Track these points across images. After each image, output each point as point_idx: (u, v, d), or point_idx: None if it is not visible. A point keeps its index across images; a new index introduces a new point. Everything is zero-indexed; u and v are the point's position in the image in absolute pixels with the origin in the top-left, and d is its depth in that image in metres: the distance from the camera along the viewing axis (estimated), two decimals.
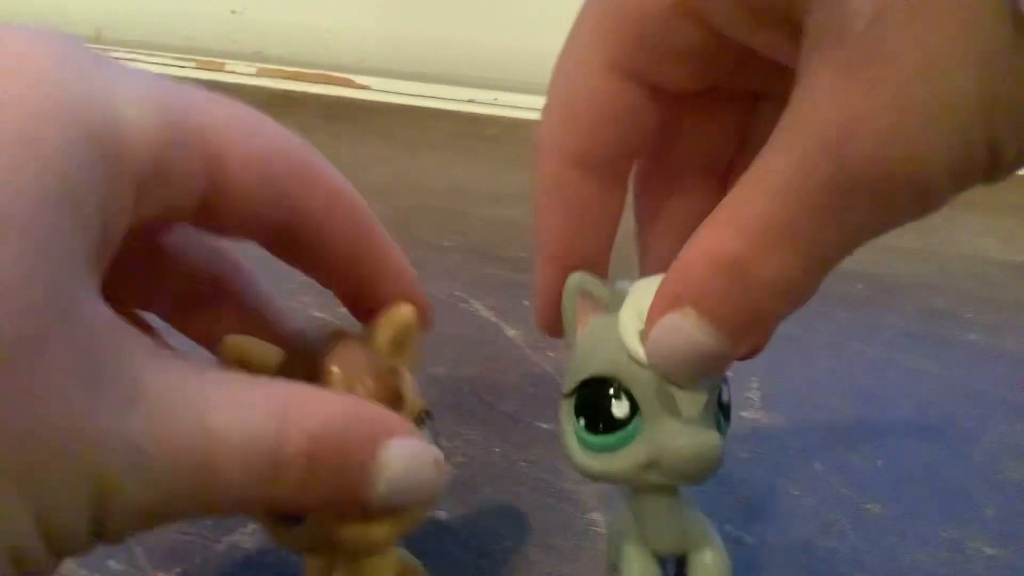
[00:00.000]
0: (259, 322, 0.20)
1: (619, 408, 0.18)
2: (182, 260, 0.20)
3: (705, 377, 0.17)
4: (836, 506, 0.27)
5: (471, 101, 0.66)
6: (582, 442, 0.19)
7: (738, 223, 0.15)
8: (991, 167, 0.13)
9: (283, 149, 0.18)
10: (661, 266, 0.17)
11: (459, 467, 0.29)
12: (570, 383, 0.19)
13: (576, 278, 0.19)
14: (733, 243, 0.15)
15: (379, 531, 0.17)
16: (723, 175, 0.20)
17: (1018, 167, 0.14)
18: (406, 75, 0.69)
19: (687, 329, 0.16)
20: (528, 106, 0.64)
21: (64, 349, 0.13)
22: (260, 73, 0.71)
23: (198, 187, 0.16)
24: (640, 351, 0.17)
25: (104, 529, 0.14)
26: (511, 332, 0.36)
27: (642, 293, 0.18)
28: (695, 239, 0.15)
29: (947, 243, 0.45)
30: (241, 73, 0.71)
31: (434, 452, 0.17)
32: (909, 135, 0.13)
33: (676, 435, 0.18)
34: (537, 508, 0.27)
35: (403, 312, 0.19)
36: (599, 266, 0.20)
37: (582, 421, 0.19)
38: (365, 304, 0.20)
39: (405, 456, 0.16)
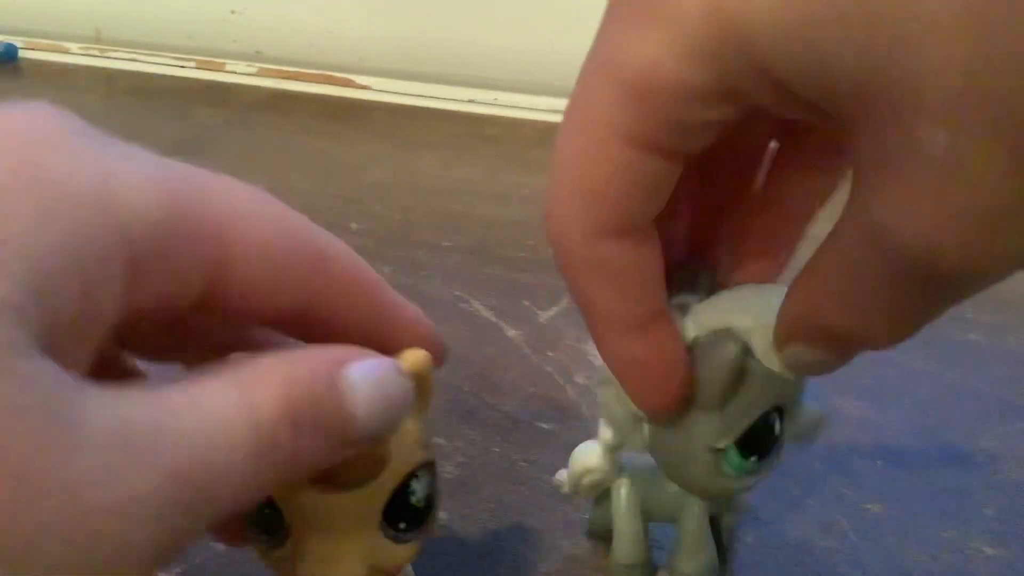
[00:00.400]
0: None
1: (777, 426, 0.21)
2: (205, 330, 0.20)
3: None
4: (836, 506, 0.27)
5: (471, 101, 0.66)
6: (740, 469, 0.20)
7: (839, 302, 0.17)
8: None
9: (292, 235, 0.17)
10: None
11: (459, 467, 0.29)
12: (737, 427, 0.20)
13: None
14: (844, 323, 0.17)
15: (339, 568, 0.17)
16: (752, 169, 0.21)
17: None
18: (406, 75, 0.69)
19: (807, 354, 0.18)
20: (528, 106, 0.64)
21: (5, 411, 0.12)
22: (260, 73, 0.71)
23: (201, 276, 0.16)
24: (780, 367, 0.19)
25: None
26: (511, 332, 0.36)
27: (755, 325, 0.19)
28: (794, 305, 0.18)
29: None
30: (241, 73, 0.71)
31: (390, 360, 0.17)
32: (984, 242, 0.14)
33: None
34: (537, 508, 0.27)
35: (414, 359, 0.18)
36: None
37: (736, 451, 0.20)
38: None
39: (366, 375, 0.16)
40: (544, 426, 0.31)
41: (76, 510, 0.12)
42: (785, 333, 0.18)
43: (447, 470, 0.28)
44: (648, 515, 0.23)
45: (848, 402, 0.32)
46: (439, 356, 0.20)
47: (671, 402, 0.19)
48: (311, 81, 0.70)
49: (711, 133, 0.17)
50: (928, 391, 0.33)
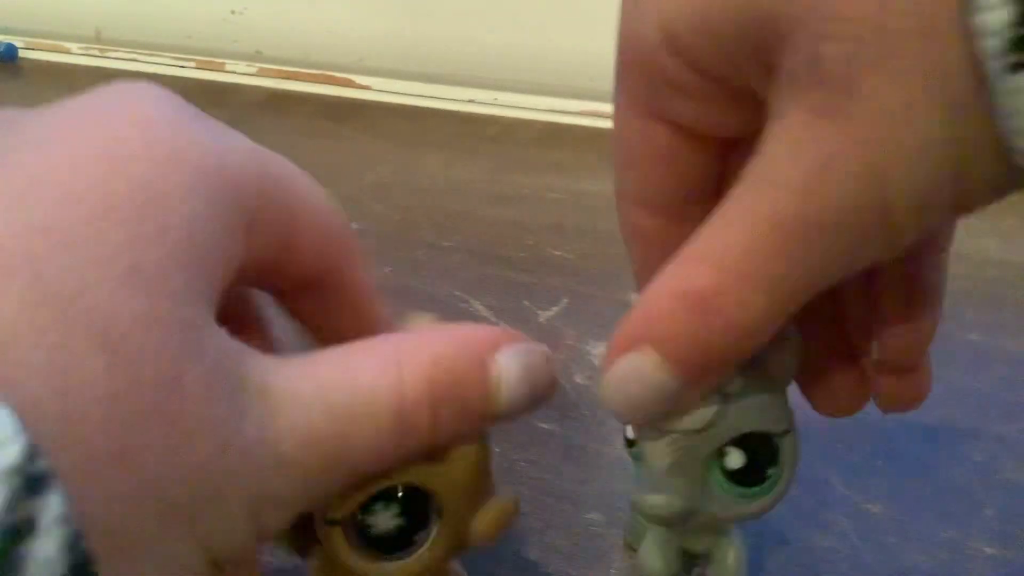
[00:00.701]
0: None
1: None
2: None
3: (661, 418, 0.17)
4: (836, 506, 0.27)
5: (471, 101, 0.66)
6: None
7: (706, 259, 0.15)
8: (957, 207, 0.14)
9: (334, 215, 0.18)
10: None
11: None
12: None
13: None
14: (699, 279, 0.15)
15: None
16: None
17: (982, 205, 0.14)
18: (406, 75, 0.69)
19: (645, 369, 0.16)
20: (528, 106, 0.64)
21: (199, 381, 0.13)
22: (260, 73, 0.71)
23: (280, 239, 0.17)
24: None
25: (261, 534, 0.15)
26: None
27: None
28: (660, 275, 0.16)
29: None
30: (241, 73, 0.71)
31: (542, 347, 0.17)
32: (880, 176, 0.13)
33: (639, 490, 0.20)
34: (537, 508, 0.27)
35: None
36: None
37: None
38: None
39: (517, 361, 0.16)
40: (544, 426, 0.31)
41: (245, 464, 0.14)
42: (622, 338, 0.16)
43: None
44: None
45: None
46: None
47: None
48: (311, 81, 0.70)
49: (690, 104, 0.17)
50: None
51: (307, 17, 0.72)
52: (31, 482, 0.11)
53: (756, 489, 0.20)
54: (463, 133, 0.61)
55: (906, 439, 0.30)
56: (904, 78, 0.13)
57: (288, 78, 0.70)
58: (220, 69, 0.72)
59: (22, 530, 0.11)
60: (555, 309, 0.38)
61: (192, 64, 0.72)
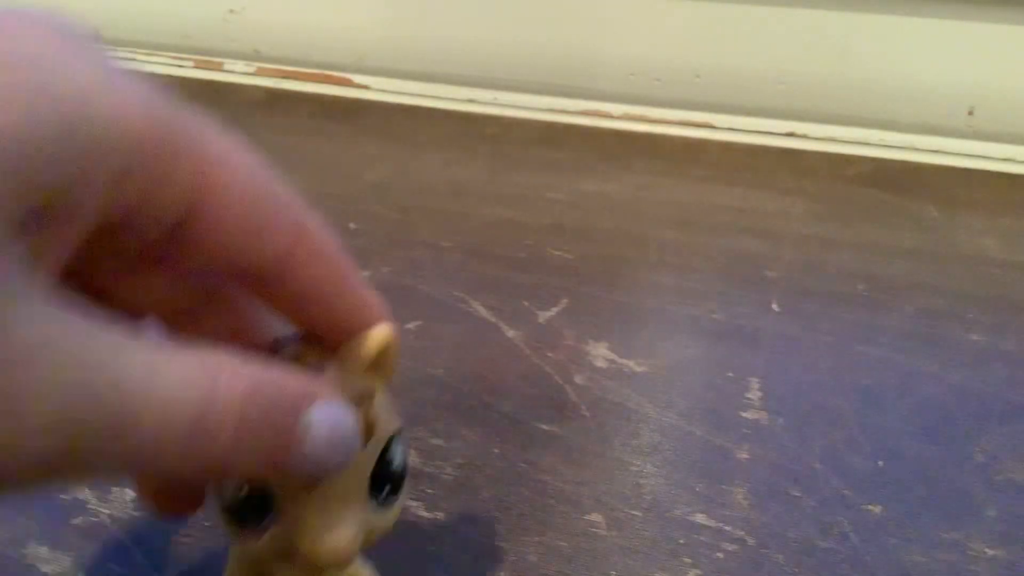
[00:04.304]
0: (242, 328, 0.20)
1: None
2: (180, 269, 0.20)
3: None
4: (836, 507, 0.27)
5: (471, 101, 0.66)
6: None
7: None
8: None
9: (272, 192, 0.17)
10: None
11: (458, 468, 0.29)
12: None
13: None
14: None
15: (341, 539, 0.18)
16: None
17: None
18: (406, 75, 0.69)
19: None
20: (528, 106, 0.64)
21: None
22: (258, 72, 0.71)
23: (177, 204, 0.16)
24: None
25: None
26: (511, 332, 0.36)
27: None
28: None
29: (947, 243, 0.45)
30: (239, 72, 0.71)
31: (352, 417, 0.17)
32: None
33: None
34: (536, 509, 0.27)
35: (383, 332, 0.19)
36: None
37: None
38: (333, 336, 0.19)
39: (329, 419, 0.16)
40: (543, 426, 0.31)
41: None
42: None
43: (446, 471, 0.28)
44: None
45: (848, 402, 0.32)
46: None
47: None
48: (310, 80, 0.70)
49: None
50: (928, 391, 0.33)
51: (306, 16, 0.72)
52: None
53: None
54: (462, 133, 0.61)
55: (907, 439, 0.30)
56: None
57: (286, 77, 0.70)
58: (218, 68, 0.72)
59: None
60: (555, 309, 0.38)
61: (190, 63, 0.72)
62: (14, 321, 0.13)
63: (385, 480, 0.19)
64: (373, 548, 0.19)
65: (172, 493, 0.20)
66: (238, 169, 0.17)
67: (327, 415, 0.16)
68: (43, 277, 0.14)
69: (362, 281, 0.19)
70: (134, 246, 0.17)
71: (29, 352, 0.13)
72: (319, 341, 0.19)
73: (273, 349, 0.19)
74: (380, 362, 0.19)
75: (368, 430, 0.18)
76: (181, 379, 0.15)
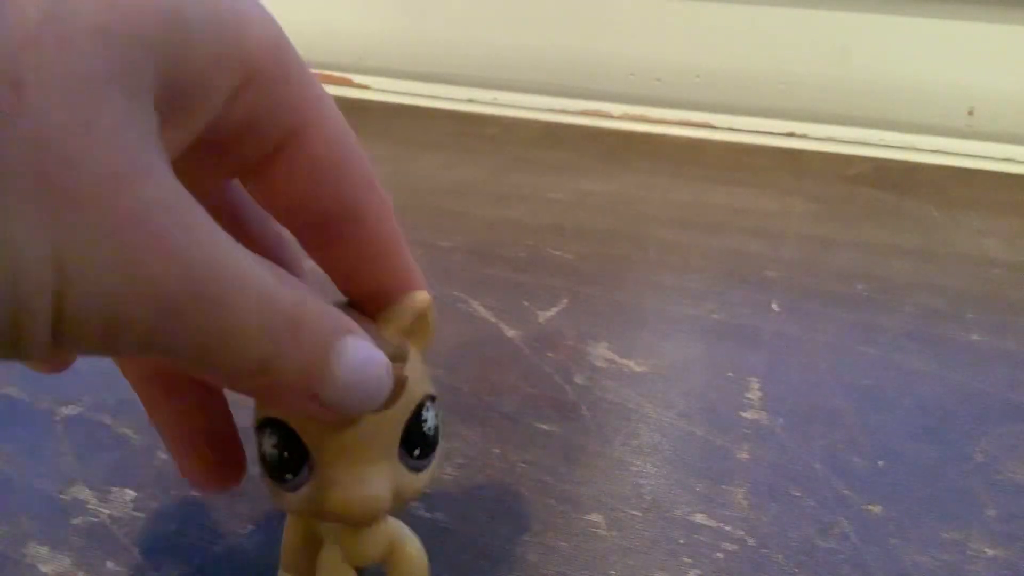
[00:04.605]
0: None
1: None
2: (247, 213, 0.20)
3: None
4: (836, 507, 0.27)
5: (471, 101, 0.66)
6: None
7: None
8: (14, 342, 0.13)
9: (350, 137, 0.18)
10: None
11: (459, 468, 0.29)
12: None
13: None
14: None
15: (371, 493, 0.18)
16: None
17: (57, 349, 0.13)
18: (406, 75, 0.69)
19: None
20: (528, 106, 0.64)
21: (112, 120, 0.13)
22: None
23: (281, 130, 0.16)
24: None
25: (62, 317, 0.13)
26: (511, 332, 0.36)
27: None
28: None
29: (947, 243, 0.45)
30: None
31: (383, 356, 0.17)
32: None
33: None
34: (536, 509, 0.27)
35: (421, 299, 0.19)
36: None
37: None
38: (373, 302, 0.20)
39: (360, 353, 0.17)
40: (543, 426, 0.31)
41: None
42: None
43: (446, 471, 0.28)
44: None
45: (848, 402, 0.32)
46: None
47: None
48: None
49: None
50: (929, 391, 0.33)
51: (306, 16, 0.72)
52: None
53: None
54: (463, 133, 0.61)
55: (907, 439, 0.30)
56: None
57: None
58: None
59: None
60: (555, 309, 0.38)
61: None
62: (144, 179, 0.13)
63: (417, 442, 0.19)
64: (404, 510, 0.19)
65: (214, 461, 0.21)
66: (331, 112, 0.17)
67: (358, 348, 0.17)
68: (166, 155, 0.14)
69: (407, 250, 0.20)
70: (229, 164, 0.17)
71: (149, 212, 0.13)
72: (357, 309, 0.19)
73: None
74: (417, 328, 0.19)
75: (399, 388, 0.18)
76: (277, 280, 0.15)
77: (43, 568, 0.25)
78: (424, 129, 0.62)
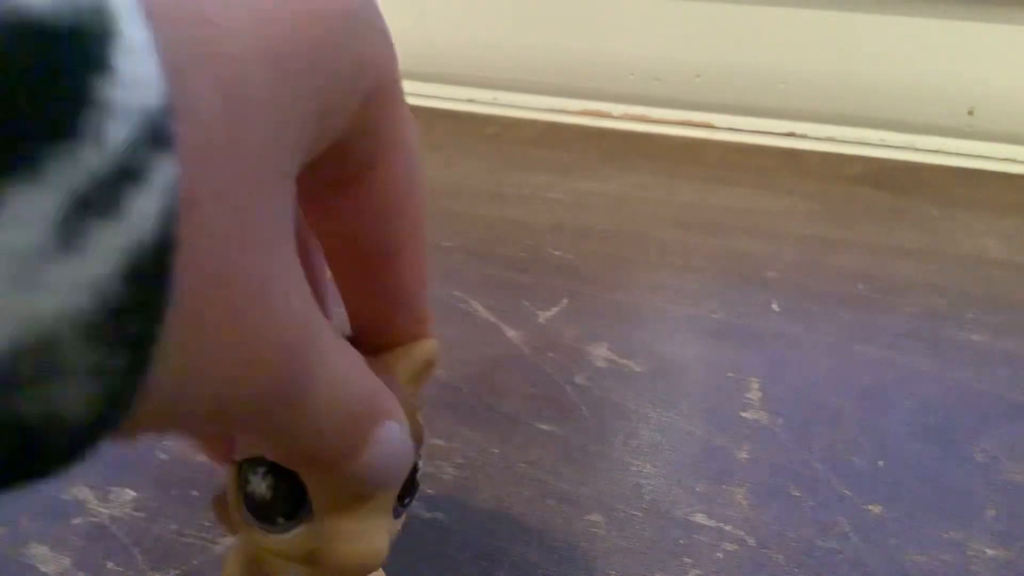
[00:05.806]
0: None
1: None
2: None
3: None
4: (836, 507, 0.27)
5: (471, 101, 0.66)
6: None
7: None
8: None
9: (416, 169, 0.17)
10: None
11: (458, 468, 0.29)
12: None
13: None
14: None
15: (375, 547, 0.18)
16: None
17: None
18: (406, 75, 0.69)
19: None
20: (528, 106, 0.64)
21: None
22: None
23: (373, 152, 0.15)
24: None
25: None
26: (511, 332, 0.36)
27: None
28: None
29: (947, 243, 0.45)
30: None
31: (411, 444, 0.17)
32: None
33: None
34: (537, 509, 0.27)
35: (432, 349, 0.19)
36: None
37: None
38: (381, 342, 0.19)
39: (394, 436, 0.16)
40: (543, 427, 0.31)
41: None
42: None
43: (446, 470, 0.28)
44: None
45: (848, 402, 0.32)
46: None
47: None
48: None
49: None
50: (929, 391, 0.33)
51: None
52: (156, 133, 0.09)
53: None
54: (463, 133, 0.61)
55: (907, 439, 0.30)
56: None
57: None
58: None
59: (131, 174, 0.09)
60: (555, 309, 0.38)
61: None
62: (274, 247, 0.12)
63: (410, 491, 0.19)
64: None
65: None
66: (413, 130, 0.16)
67: (392, 435, 0.16)
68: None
69: (426, 294, 0.19)
70: (318, 182, 0.16)
71: (269, 285, 0.12)
72: (360, 342, 0.19)
73: None
74: (420, 374, 0.19)
75: (417, 437, 0.18)
76: (357, 368, 0.15)
77: (43, 568, 0.25)
78: (424, 129, 0.62)
